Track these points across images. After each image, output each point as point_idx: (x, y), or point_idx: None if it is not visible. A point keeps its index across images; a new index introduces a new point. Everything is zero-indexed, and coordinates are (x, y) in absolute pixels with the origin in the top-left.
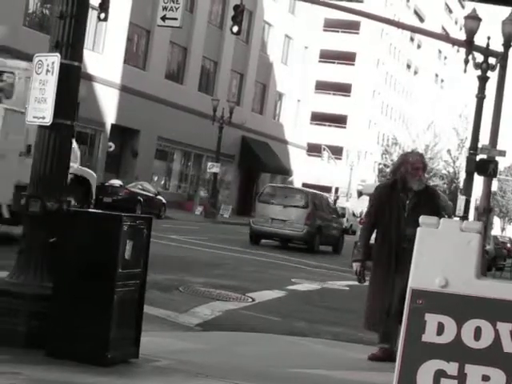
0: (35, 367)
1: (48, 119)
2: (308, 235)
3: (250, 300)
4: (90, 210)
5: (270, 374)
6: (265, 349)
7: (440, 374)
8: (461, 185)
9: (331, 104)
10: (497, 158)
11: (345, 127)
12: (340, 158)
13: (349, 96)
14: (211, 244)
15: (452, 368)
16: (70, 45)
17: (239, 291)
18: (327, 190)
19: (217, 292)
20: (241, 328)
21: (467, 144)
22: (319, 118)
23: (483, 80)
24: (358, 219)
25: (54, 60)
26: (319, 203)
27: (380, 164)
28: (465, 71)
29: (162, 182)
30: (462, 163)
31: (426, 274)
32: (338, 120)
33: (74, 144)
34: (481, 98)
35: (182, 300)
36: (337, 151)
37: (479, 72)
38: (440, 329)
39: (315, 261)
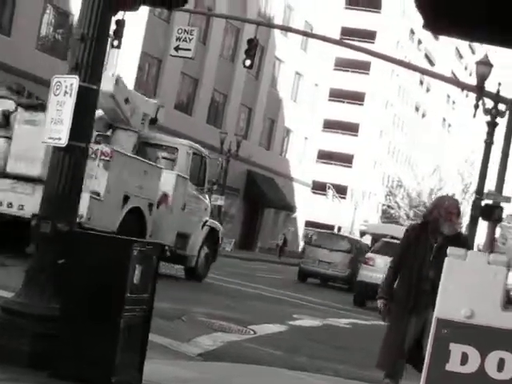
0: None
1: (63, 141)
2: (350, 276)
3: (252, 333)
4: (100, 233)
5: None
6: (265, 382)
7: None
8: (463, 229)
9: (338, 143)
10: (502, 204)
11: (350, 166)
12: (344, 197)
13: (356, 135)
14: (214, 276)
15: None
16: (90, 67)
17: (241, 324)
18: (330, 228)
19: (219, 323)
20: (242, 360)
21: (471, 189)
22: (326, 157)
23: (492, 125)
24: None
25: (73, 82)
26: (359, 248)
27: (384, 205)
28: (474, 116)
29: None
30: (464, 208)
31: (452, 304)
32: (344, 159)
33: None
34: (489, 143)
35: (184, 329)
36: (341, 190)
37: (488, 118)
38: (464, 359)
39: (319, 298)
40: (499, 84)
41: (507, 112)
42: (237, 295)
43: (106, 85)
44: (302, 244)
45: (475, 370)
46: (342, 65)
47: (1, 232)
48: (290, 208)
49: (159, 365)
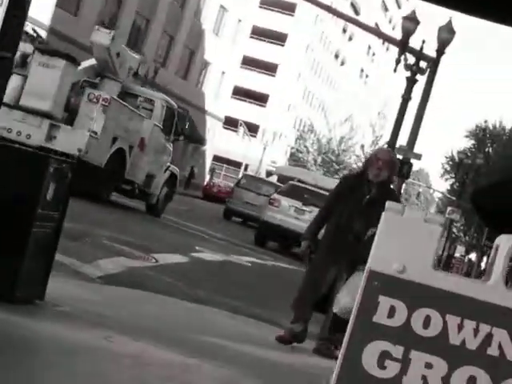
0: None
1: None
2: None
3: (154, 261)
4: (19, 146)
5: (169, 335)
6: (162, 310)
7: (385, 356)
8: None
9: (255, 81)
10: (412, 161)
11: (264, 106)
12: (255, 136)
13: (273, 76)
14: (123, 201)
15: (397, 351)
16: None
17: (143, 250)
18: (237, 165)
19: (122, 248)
20: (142, 287)
21: (381, 142)
22: (241, 93)
23: (411, 82)
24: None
25: None
26: None
27: (293, 148)
28: (395, 71)
29: None
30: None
31: (385, 257)
32: (259, 98)
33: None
34: (406, 99)
35: (87, 250)
36: (253, 128)
37: (408, 73)
38: (391, 312)
39: (223, 234)
40: (423, 41)
41: (428, 70)
42: (142, 222)
43: (104, 39)
44: (207, 178)
45: (401, 324)
46: (268, 3)
47: None
48: (200, 141)
49: (60, 283)
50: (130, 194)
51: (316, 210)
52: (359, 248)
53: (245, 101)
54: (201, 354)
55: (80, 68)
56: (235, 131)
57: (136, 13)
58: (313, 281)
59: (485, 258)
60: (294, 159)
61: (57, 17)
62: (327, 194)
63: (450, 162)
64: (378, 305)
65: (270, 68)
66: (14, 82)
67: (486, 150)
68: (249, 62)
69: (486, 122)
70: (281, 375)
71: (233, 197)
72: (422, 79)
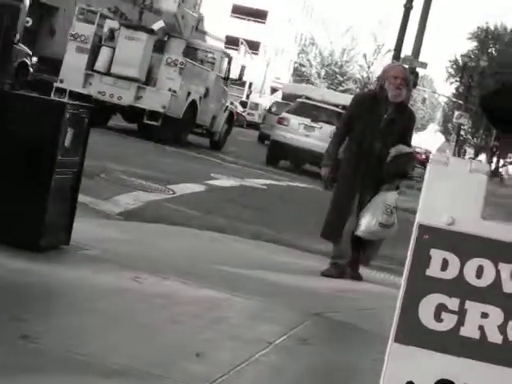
0: None
1: None
2: None
3: (171, 192)
4: (33, 94)
5: (196, 270)
6: (186, 243)
7: (441, 308)
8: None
9: None
10: (417, 70)
11: (264, 22)
12: (257, 54)
13: None
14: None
15: (453, 303)
16: None
17: (160, 183)
18: (241, 84)
19: (138, 182)
20: (162, 220)
21: (383, 50)
22: (240, 11)
23: None
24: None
25: None
26: None
27: (296, 63)
28: None
29: None
30: (376, 68)
31: (433, 210)
32: (259, 15)
33: None
34: (408, 8)
35: (103, 187)
36: (254, 46)
37: None
38: (444, 265)
39: (234, 157)
40: None
41: None
42: (155, 150)
43: (171, 5)
44: None
45: (455, 276)
46: None
47: (103, 113)
48: None
49: (81, 224)
50: (200, 134)
51: (325, 126)
52: (382, 169)
53: (244, 19)
54: (229, 287)
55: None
56: (236, 50)
57: None
58: (341, 207)
59: (494, 159)
60: (298, 74)
61: None
62: (335, 109)
63: (454, 66)
64: (430, 258)
65: None
66: (104, 53)
67: (489, 51)
68: None
69: (487, 23)
70: (317, 302)
71: (265, 122)
72: None
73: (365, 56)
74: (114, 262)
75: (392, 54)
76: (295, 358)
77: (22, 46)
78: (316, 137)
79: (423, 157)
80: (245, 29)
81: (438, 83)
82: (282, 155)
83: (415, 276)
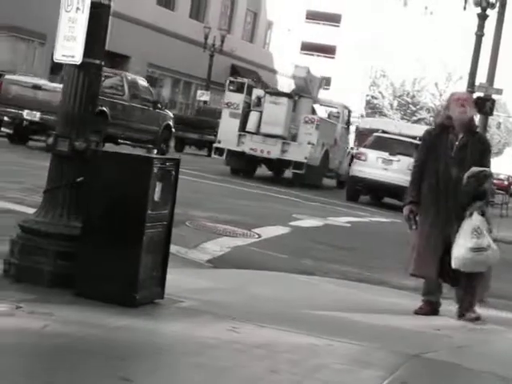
0: (65, 307)
1: (78, 58)
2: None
3: (257, 236)
4: (119, 151)
5: (291, 316)
6: (279, 288)
7: None
8: None
9: (321, 34)
10: (493, 96)
11: (333, 58)
12: (328, 89)
13: (338, 26)
14: (205, 175)
15: None
16: None
17: (244, 227)
18: None
19: (223, 227)
20: (250, 265)
21: (454, 77)
22: (308, 48)
23: (482, 18)
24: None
25: None
26: None
27: (368, 95)
28: (464, 8)
29: None
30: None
31: None
32: (327, 50)
33: None
34: (479, 35)
35: (189, 235)
36: (326, 82)
37: (478, 9)
38: None
39: (312, 194)
40: None
41: (497, 3)
42: (228, 194)
43: (301, 72)
44: None
45: None
46: None
47: (252, 165)
48: None
49: (173, 275)
50: (329, 177)
51: (403, 159)
52: (460, 195)
53: (313, 55)
54: (326, 332)
55: None
56: None
57: None
58: (427, 237)
59: None
60: (370, 106)
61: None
62: (412, 141)
63: None
64: None
65: (334, 19)
66: (253, 116)
67: None
68: (313, 16)
69: None
70: (415, 342)
71: None
72: (492, 14)
73: (436, 84)
74: (209, 313)
75: (463, 81)
76: None
77: (166, 110)
78: (394, 170)
79: (505, 183)
80: (315, 65)
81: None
82: (361, 190)
83: None
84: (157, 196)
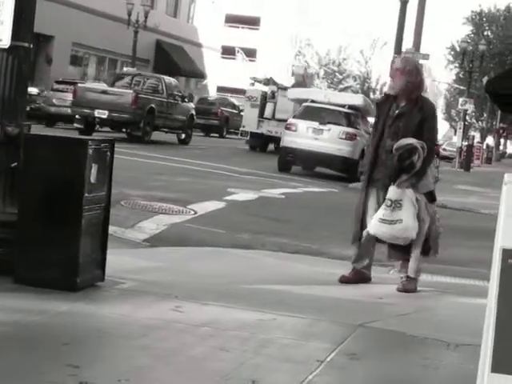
0: (6, 295)
1: (6, 42)
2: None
3: (193, 212)
4: (53, 134)
5: (233, 292)
6: (218, 264)
7: None
8: (373, 85)
9: (245, 6)
10: (421, 61)
11: (258, 29)
12: (254, 60)
13: None
14: (135, 152)
15: None
16: None
17: (179, 203)
18: (242, 92)
19: (159, 205)
20: (188, 242)
21: (379, 44)
22: (233, 20)
23: None
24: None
25: None
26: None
27: (293, 65)
28: None
29: None
30: (374, 63)
31: None
32: (252, 22)
33: None
34: (404, 1)
35: (125, 215)
36: (251, 53)
37: None
38: None
39: (245, 167)
40: None
41: None
42: (165, 171)
43: (300, 70)
44: None
45: None
46: None
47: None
48: (200, 75)
49: (111, 255)
50: None
51: (333, 128)
52: (387, 167)
53: (237, 27)
54: (269, 306)
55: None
56: (234, 59)
57: None
58: (358, 208)
59: (502, 141)
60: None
61: None
62: (341, 109)
63: (452, 52)
64: None
65: None
66: (269, 106)
67: (485, 34)
68: None
69: (480, 5)
70: (359, 312)
71: None
72: None
73: (362, 52)
74: (151, 293)
75: (388, 47)
76: (349, 376)
77: (190, 103)
78: (325, 139)
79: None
80: (240, 37)
81: (437, 71)
82: (293, 161)
83: (504, 302)
84: (93, 178)
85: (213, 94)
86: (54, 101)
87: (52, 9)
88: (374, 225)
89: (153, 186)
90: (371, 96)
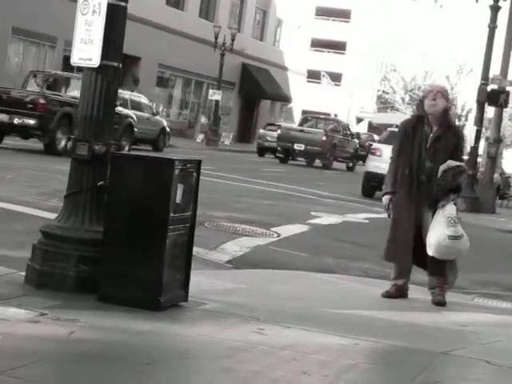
0: (90, 313)
1: (95, 61)
2: None
3: (276, 235)
4: (140, 154)
5: (315, 315)
6: (301, 287)
7: None
8: (458, 111)
9: (331, 30)
10: (508, 89)
11: (344, 53)
12: (339, 85)
13: (348, 22)
14: (222, 174)
15: None
16: None
17: (263, 226)
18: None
19: (242, 227)
20: (270, 265)
21: (465, 70)
22: (319, 44)
23: (495, 9)
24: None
25: (101, 0)
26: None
27: (379, 90)
28: (477, 1)
29: (164, 110)
30: (460, 89)
31: None
32: (338, 46)
33: None
34: (492, 27)
35: (209, 236)
36: (336, 77)
37: (491, 1)
38: None
39: (328, 191)
40: None
41: None
42: (246, 194)
43: None
44: None
45: None
46: None
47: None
48: (285, 98)
49: (195, 276)
50: None
51: None
52: (433, 187)
53: (323, 51)
54: (351, 330)
55: None
56: (319, 83)
57: None
58: (401, 226)
59: None
60: (382, 101)
61: None
62: None
63: None
64: None
65: (343, 15)
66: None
67: None
68: (322, 12)
69: None
70: (442, 342)
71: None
72: (505, 5)
73: (447, 77)
74: (234, 315)
75: (474, 73)
76: None
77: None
78: None
79: None
80: (325, 61)
81: None
82: (376, 186)
83: None
84: (179, 198)
85: (297, 117)
86: (267, 137)
87: (139, 30)
88: (441, 244)
89: (236, 207)
90: (457, 122)
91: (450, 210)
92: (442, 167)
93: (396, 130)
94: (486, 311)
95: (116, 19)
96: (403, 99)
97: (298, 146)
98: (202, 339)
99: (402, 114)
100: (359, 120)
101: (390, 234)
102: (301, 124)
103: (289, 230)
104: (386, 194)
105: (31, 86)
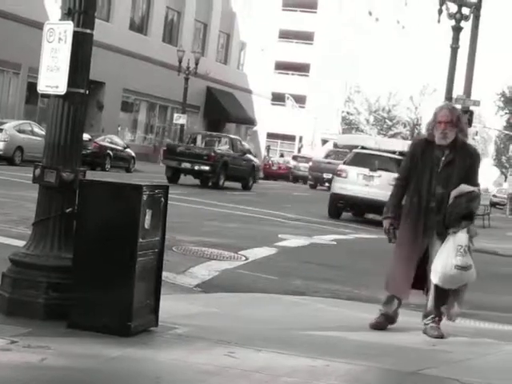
0: (61, 340)
1: (62, 88)
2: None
3: (244, 258)
4: (107, 180)
5: (286, 338)
6: (271, 310)
7: None
8: (423, 131)
9: (294, 52)
10: (471, 108)
11: (308, 75)
12: (303, 107)
13: (311, 44)
14: (188, 198)
15: None
16: (83, 12)
17: (231, 249)
18: (291, 138)
19: (210, 251)
20: (239, 288)
21: (429, 90)
22: (283, 67)
23: (457, 30)
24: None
25: (67, 28)
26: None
27: (343, 112)
28: (438, 21)
29: (128, 134)
30: (423, 109)
31: None
32: (301, 68)
33: None
34: (455, 48)
35: (177, 260)
36: (300, 100)
37: (453, 22)
38: None
39: (293, 213)
40: None
41: (471, 16)
42: (216, 217)
43: None
44: (263, 156)
45: None
46: None
47: None
48: (250, 121)
49: (164, 301)
50: None
51: (384, 174)
52: (443, 215)
53: (287, 74)
54: (321, 352)
55: None
56: (283, 105)
57: (166, 8)
58: (404, 258)
59: None
60: (346, 122)
61: None
62: (392, 156)
63: (502, 98)
64: None
65: (306, 37)
66: None
67: None
68: (285, 35)
69: None
70: (412, 361)
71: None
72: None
73: (411, 98)
74: (204, 339)
75: (437, 93)
76: None
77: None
78: (376, 185)
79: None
80: (289, 83)
81: (486, 117)
82: (343, 207)
83: None
84: (147, 223)
85: (263, 139)
86: (300, 167)
87: (103, 55)
88: (448, 273)
89: (203, 231)
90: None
91: (461, 238)
92: (454, 192)
93: (361, 151)
94: (456, 330)
95: (82, 46)
96: (368, 120)
97: (327, 175)
98: (173, 364)
99: (367, 136)
100: (324, 141)
101: (391, 268)
102: (326, 156)
103: (256, 253)
104: (386, 218)
105: (193, 143)
